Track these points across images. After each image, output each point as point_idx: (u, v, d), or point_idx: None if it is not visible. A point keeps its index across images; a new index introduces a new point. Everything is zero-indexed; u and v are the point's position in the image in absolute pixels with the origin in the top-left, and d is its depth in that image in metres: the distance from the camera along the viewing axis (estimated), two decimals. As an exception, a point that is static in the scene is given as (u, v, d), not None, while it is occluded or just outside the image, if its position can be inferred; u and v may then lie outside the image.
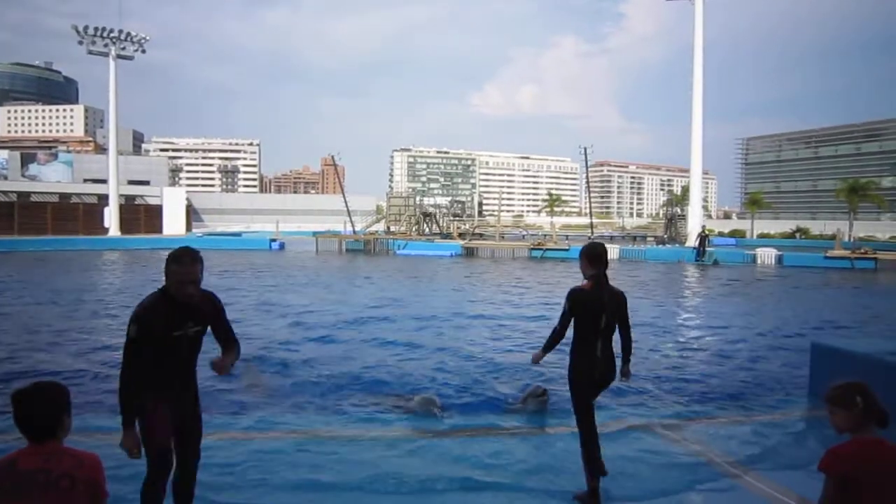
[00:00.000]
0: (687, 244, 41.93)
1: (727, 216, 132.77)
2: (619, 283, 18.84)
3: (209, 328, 3.71)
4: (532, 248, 38.36)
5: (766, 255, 34.50)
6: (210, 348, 3.78)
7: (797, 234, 63.95)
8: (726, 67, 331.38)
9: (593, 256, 4.50)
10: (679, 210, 56.54)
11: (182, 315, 3.50)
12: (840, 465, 2.53)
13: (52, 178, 64.81)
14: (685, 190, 63.14)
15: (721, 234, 66.86)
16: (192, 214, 64.47)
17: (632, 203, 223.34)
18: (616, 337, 4.64)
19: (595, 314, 4.40)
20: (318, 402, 7.32)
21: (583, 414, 4.56)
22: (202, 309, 3.62)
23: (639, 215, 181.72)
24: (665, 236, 53.43)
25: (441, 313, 14.65)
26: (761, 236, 65.23)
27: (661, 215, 74.88)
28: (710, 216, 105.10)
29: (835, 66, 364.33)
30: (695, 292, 21.71)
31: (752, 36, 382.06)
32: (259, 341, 10.78)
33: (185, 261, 3.48)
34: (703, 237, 35.20)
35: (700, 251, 34.36)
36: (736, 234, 68.00)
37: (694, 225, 44.48)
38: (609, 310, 4.42)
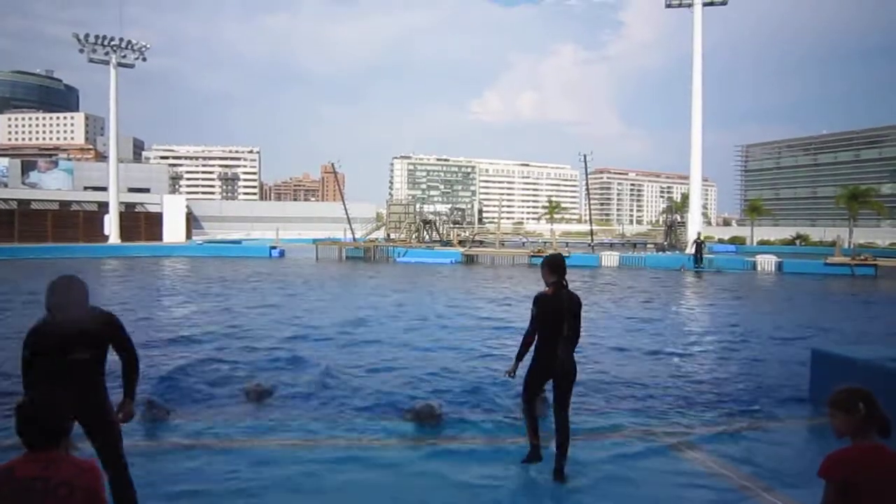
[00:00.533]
0: (687, 251, 41.94)
1: (727, 223, 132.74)
2: (618, 290, 18.73)
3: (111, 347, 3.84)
4: (532, 256, 38.35)
5: (766, 261, 34.46)
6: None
7: (797, 241, 63.95)
8: (726, 74, 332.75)
9: (554, 265, 5.08)
10: (679, 217, 56.58)
11: (72, 338, 3.57)
12: (840, 471, 2.53)
13: (52, 186, 64.92)
14: (685, 197, 63.21)
15: (721, 241, 66.88)
16: (192, 222, 64.46)
17: (631, 210, 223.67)
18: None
19: (558, 316, 4.93)
20: (316, 411, 7.32)
21: (530, 400, 5.29)
22: (92, 331, 3.68)
23: (638, 222, 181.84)
24: (665, 243, 53.49)
25: (441, 320, 14.64)
26: (761, 243, 65.22)
27: (660, 222, 74.88)
28: (709, 223, 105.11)
29: (834, 72, 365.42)
30: (694, 299, 21.69)
31: (751, 43, 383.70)
32: (260, 351, 10.78)
33: (60, 288, 3.59)
34: (699, 244, 35.14)
35: (697, 258, 34.33)
36: (736, 240, 68.00)
37: (693, 232, 44.51)
38: (570, 312, 4.96)
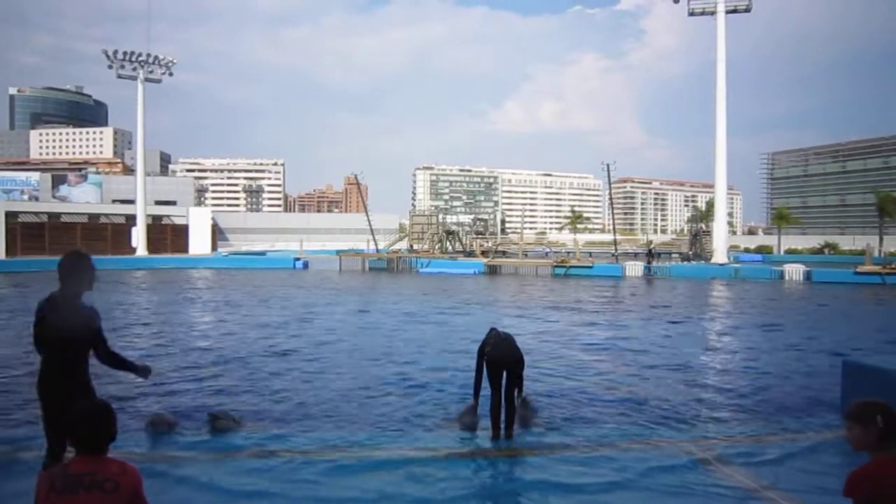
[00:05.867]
0: (713, 260, 41.59)
1: (752, 232, 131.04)
2: (643, 301, 18.46)
3: None
4: (555, 266, 38.21)
5: (794, 271, 33.98)
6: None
7: (826, 250, 62.91)
8: (750, 81, 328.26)
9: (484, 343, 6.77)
10: (704, 226, 56.01)
11: None
12: (864, 488, 2.51)
13: (81, 199, 66.07)
14: (710, 205, 62.57)
15: (747, 250, 66.02)
16: (217, 234, 65.28)
17: (655, 219, 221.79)
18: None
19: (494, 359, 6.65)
20: (323, 422, 7.36)
21: (494, 387, 6.64)
22: None
23: (663, 231, 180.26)
24: (690, 253, 52.95)
25: (465, 331, 14.61)
26: (789, 252, 64.28)
27: (685, 231, 74.09)
28: (734, 232, 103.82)
29: (861, 78, 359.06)
30: (719, 309, 21.39)
31: (776, 49, 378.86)
32: (294, 357, 10.85)
33: None
34: (650, 251, 38.86)
35: (649, 264, 37.65)
36: (762, 249, 67.12)
37: (719, 242, 44.14)
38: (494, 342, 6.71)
